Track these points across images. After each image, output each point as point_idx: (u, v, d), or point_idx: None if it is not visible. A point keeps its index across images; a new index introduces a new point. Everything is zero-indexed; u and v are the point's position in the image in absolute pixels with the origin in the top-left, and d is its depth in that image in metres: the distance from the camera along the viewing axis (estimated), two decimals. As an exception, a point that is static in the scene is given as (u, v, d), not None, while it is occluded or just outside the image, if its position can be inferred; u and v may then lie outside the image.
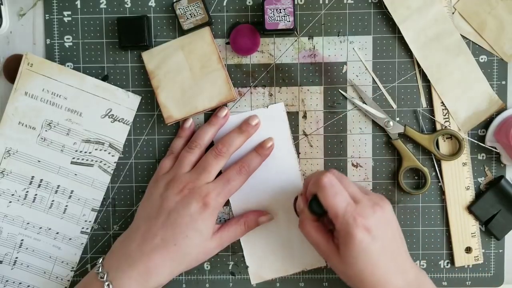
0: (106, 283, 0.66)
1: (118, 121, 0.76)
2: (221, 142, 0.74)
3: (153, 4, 0.76)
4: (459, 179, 0.76)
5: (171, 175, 0.73)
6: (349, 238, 0.64)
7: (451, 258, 0.78)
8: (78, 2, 0.76)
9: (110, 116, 0.76)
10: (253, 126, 0.76)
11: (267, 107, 0.77)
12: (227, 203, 0.77)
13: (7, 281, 0.77)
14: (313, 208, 0.68)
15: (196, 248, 0.70)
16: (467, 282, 0.78)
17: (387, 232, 0.65)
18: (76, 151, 0.76)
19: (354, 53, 0.76)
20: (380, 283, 0.65)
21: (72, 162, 0.77)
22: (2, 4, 0.75)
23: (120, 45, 0.75)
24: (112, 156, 0.77)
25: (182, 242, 0.69)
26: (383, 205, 0.66)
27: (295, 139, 0.77)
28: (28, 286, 0.78)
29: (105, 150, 0.77)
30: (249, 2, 0.76)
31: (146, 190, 0.75)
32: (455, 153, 0.76)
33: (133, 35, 0.75)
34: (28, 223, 0.77)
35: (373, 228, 0.64)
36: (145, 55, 0.75)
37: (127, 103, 0.76)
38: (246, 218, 0.76)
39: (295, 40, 0.76)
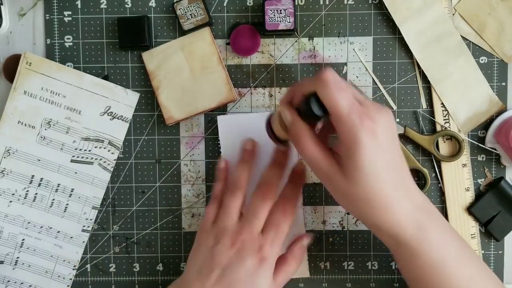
0: None
1: (117, 118, 0.77)
2: (264, 183, 0.68)
3: (154, 4, 0.76)
4: (459, 180, 0.76)
5: (219, 227, 0.67)
6: (354, 144, 0.55)
7: (450, 258, 0.78)
8: (78, 2, 0.76)
9: (109, 114, 0.76)
10: (284, 152, 0.70)
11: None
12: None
13: (8, 281, 0.77)
14: (313, 108, 0.58)
15: None
16: (466, 283, 0.78)
17: (392, 141, 0.58)
18: (75, 149, 0.76)
19: (354, 54, 0.76)
20: (388, 204, 0.57)
21: (72, 160, 0.77)
22: (2, 4, 0.75)
23: (120, 45, 0.75)
24: (112, 153, 0.77)
25: None
26: (387, 111, 0.59)
27: (295, 139, 0.77)
28: (30, 285, 0.78)
29: (104, 148, 0.77)
30: (250, 3, 0.76)
31: (196, 238, 0.71)
32: (455, 154, 0.76)
33: (133, 35, 0.75)
34: (29, 223, 0.77)
35: (380, 134, 0.56)
36: (146, 55, 0.75)
37: (126, 100, 0.76)
38: (292, 254, 0.70)
39: (296, 41, 0.76)
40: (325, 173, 0.59)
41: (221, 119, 0.76)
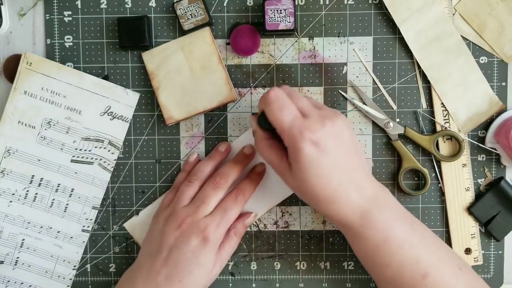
0: None
1: (117, 118, 0.77)
2: (219, 174, 0.73)
3: (154, 4, 0.76)
4: (459, 180, 0.76)
5: (170, 210, 0.73)
6: (296, 153, 0.63)
7: (450, 259, 0.78)
8: (78, 2, 0.76)
9: (109, 114, 0.76)
10: (248, 155, 0.76)
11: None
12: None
13: (8, 281, 0.77)
14: (261, 123, 0.67)
15: (202, 281, 0.70)
16: (466, 283, 0.78)
17: (338, 146, 0.64)
18: (76, 149, 0.76)
19: (354, 54, 0.76)
20: (334, 198, 0.64)
21: (72, 160, 0.77)
22: (2, 4, 0.75)
23: (120, 45, 0.75)
24: (112, 153, 0.77)
25: (187, 278, 0.69)
26: (334, 119, 0.64)
27: (295, 139, 0.77)
28: (30, 286, 0.78)
29: (104, 148, 0.77)
30: (250, 3, 0.76)
31: (150, 224, 0.76)
32: (455, 154, 0.76)
33: (133, 35, 0.74)
34: (29, 223, 0.77)
35: (322, 142, 0.62)
36: (146, 55, 0.75)
37: (126, 100, 0.76)
38: (234, 228, 0.75)
39: (296, 41, 0.76)
40: (278, 170, 0.68)
41: (128, 225, 0.79)
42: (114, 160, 0.77)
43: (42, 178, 0.77)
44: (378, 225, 0.65)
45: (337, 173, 0.64)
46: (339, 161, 0.64)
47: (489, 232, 0.76)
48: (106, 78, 0.76)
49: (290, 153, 0.64)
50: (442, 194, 0.77)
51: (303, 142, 0.62)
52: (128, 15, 0.76)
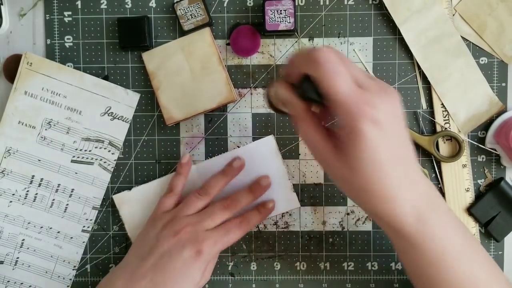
0: None
1: (118, 118, 0.77)
2: (232, 199, 0.72)
3: (154, 5, 0.76)
4: (459, 181, 0.76)
5: (172, 215, 0.71)
6: (354, 133, 0.51)
7: (450, 259, 0.78)
8: (78, 3, 0.76)
9: (110, 114, 0.76)
10: (264, 186, 0.75)
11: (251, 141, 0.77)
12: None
13: (8, 281, 0.78)
14: (306, 91, 0.54)
15: None
16: (466, 284, 0.78)
17: (398, 127, 0.53)
18: (76, 149, 0.77)
19: (354, 54, 0.76)
20: (391, 195, 0.53)
21: (72, 161, 0.77)
22: (2, 4, 0.75)
23: (120, 46, 0.75)
24: (112, 154, 0.77)
25: None
26: (392, 94, 0.53)
27: (296, 139, 0.77)
28: (30, 286, 0.78)
29: (105, 148, 0.77)
30: (250, 3, 0.76)
31: (145, 225, 0.74)
32: (455, 155, 0.76)
33: (133, 35, 0.75)
34: (29, 223, 0.77)
35: (383, 122, 0.51)
36: (146, 56, 0.75)
37: (126, 100, 0.76)
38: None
39: (296, 41, 0.76)
40: (324, 158, 0.56)
41: (117, 198, 0.78)
42: (114, 160, 0.77)
43: (42, 178, 0.77)
44: (436, 233, 0.55)
45: (396, 164, 0.53)
46: (398, 149, 0.53)
47: (489, 232, 0.76)
48: (106, 78, 0.76)
49: (345, 132, 0.52)
50: (442, 194, 0.77)
51: (363, 120, 0.50)
52: (128, 16, 0.76)
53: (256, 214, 0.74)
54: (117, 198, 0.77)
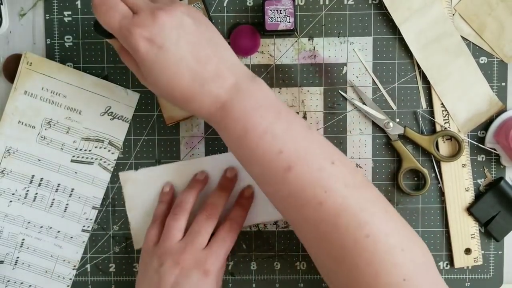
0: None
1: (117, 118, 0.77)
2: (209, 204, 0.72)
3: (154, 4, 0.76)
4: (458, 181, 0.76)
5: (162, 248, 0.70)
6: (134, 53, 0.59)
7: (450, 259, 0.78)
8: (78, 2, 0.76)
9: (110, 114, 0.76)
10: (231, 179, 0.75)
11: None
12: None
13: (8, 281, 0.78)
14: (98, 31, 0.63)
15: None
16: (466, 284, 0.78)
17: (179, 38, 0.59)
18: (76, 149, 0.77)
19: (354, 54, 0.76)
20: (190, 94, 0.60)
21: (72, 160, 0.77)
22: (2, 4, 0.75)
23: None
24: (112, 153, 0.77)
25: None
26: (169, 9, 0.59)
27: (295, 139, 0.77)
28: (30, 285, 0.78)
29: (104, 148, 0.77)
30: (250, 3, 0.76)
31: (140, 260, 0.73)
32: (454, 155, 0.76)
33: None
34: (29, 222, 0.77)
35: (157, 37, 0.58)
36: (145, 55, 0.75)
37: (126, 100, 0.76)
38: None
39: (296, 41, 0.76)
40: (137, 75, 0.64)
41: (123, 175, 0.78)
42: (114, 160, 0.77)
43: (42, 178, 0.77)
44: (235, 115, 0.60)
45: (187, 68, 0.59)
46: (186, 54, 0.59)
47: (489, 232, 0.76)
48: (106, 78, 0.76)
49: (133, 56, 0.61)
50: (442, 194, 0.77)
51: (136, 41, 0.57)
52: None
53: (239, 209, 0.74)
54: (123, 175, 0.77)
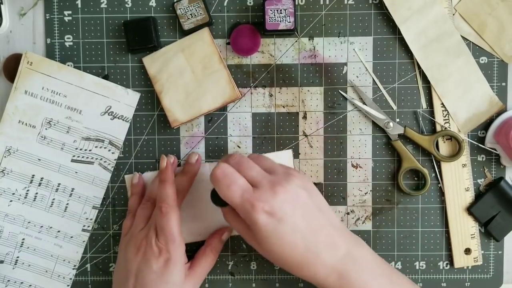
0: None
1: (118, 118, 0.77)
2: (159, 189, 0.72)
3: (154, 4, 0.76)
4: (458, 180, 0.76)
5: (130, 235, 0.72)
6: (253, 225, 0.62)
7: (450, 259, 0.78)
8: (78, 2, 0.76)
9: (110, 113, 0.76)
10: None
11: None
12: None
13: (8, 280, 0.78)
14: (215, 201, 0.67)
15: None
16: (466, 284, 0.78)
17: (295, 211, 0.63)
18: (76, 149, 0.77)
19: (354, 54, 0.76)
20: (304, 263, 0.63)
21: (72, 160, 0.77)
22: (2, 4, 0.75)
23: (129, 49, 0.75)
24: (112, 153, 0.77)
25: None
26: (285, 184, 0.63)
27: (295, 139, 0.77)
28: (30, 285, 0.78)
29: (105, 148, 0.77)
30: (250, 3, 0.76)
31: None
32: (455, 154, 0.76)
33: (141, 37, 0.74)
34: (29, 222, 0.77)
35: (277, 210, 0.62)
36: (146, 60, 0.75)
37: (127, 100, 0.76)
38: (210, 245, 0.75)
39: (296, 41, 0.76)
40: (248, 241, 0.67)
41: (128, 178, 0.79)
42: (115, 160, 0.77)
43: (42, 178, 0.77)
44: (356, 286, 0.63)
45: (301, 238, 0.63)
46: (301, 226, 0.63)
47: (489, 232, 0.76)
48: (106, 77, 0.76)
49: (249, 226, 0.64)
50: (442, 194, 0.77)
51: (257, 214, 0.61)
52: (133, 18, 0.76)
53: (180, 177, 0.75)
54: (128, 178, 0.78)
